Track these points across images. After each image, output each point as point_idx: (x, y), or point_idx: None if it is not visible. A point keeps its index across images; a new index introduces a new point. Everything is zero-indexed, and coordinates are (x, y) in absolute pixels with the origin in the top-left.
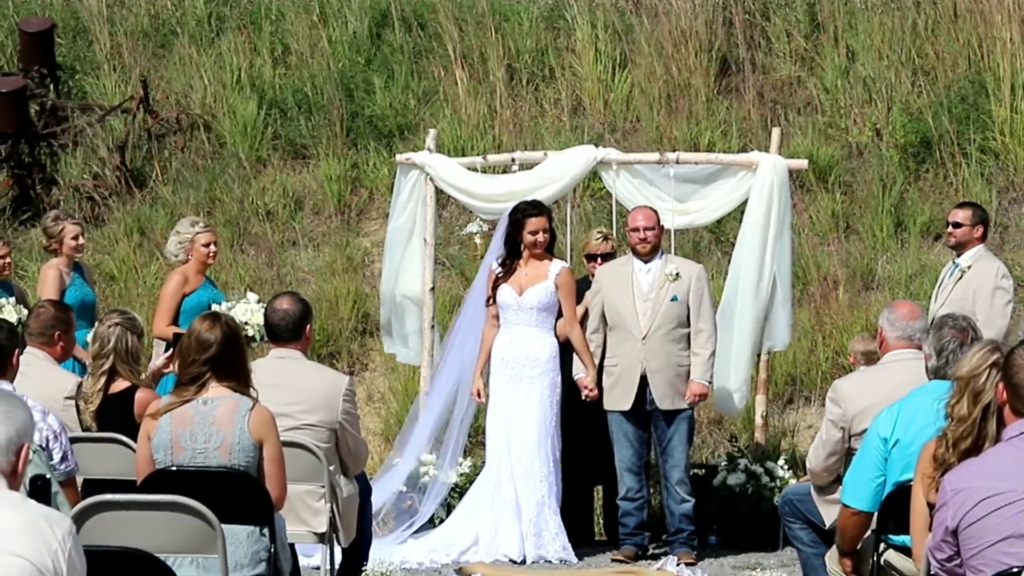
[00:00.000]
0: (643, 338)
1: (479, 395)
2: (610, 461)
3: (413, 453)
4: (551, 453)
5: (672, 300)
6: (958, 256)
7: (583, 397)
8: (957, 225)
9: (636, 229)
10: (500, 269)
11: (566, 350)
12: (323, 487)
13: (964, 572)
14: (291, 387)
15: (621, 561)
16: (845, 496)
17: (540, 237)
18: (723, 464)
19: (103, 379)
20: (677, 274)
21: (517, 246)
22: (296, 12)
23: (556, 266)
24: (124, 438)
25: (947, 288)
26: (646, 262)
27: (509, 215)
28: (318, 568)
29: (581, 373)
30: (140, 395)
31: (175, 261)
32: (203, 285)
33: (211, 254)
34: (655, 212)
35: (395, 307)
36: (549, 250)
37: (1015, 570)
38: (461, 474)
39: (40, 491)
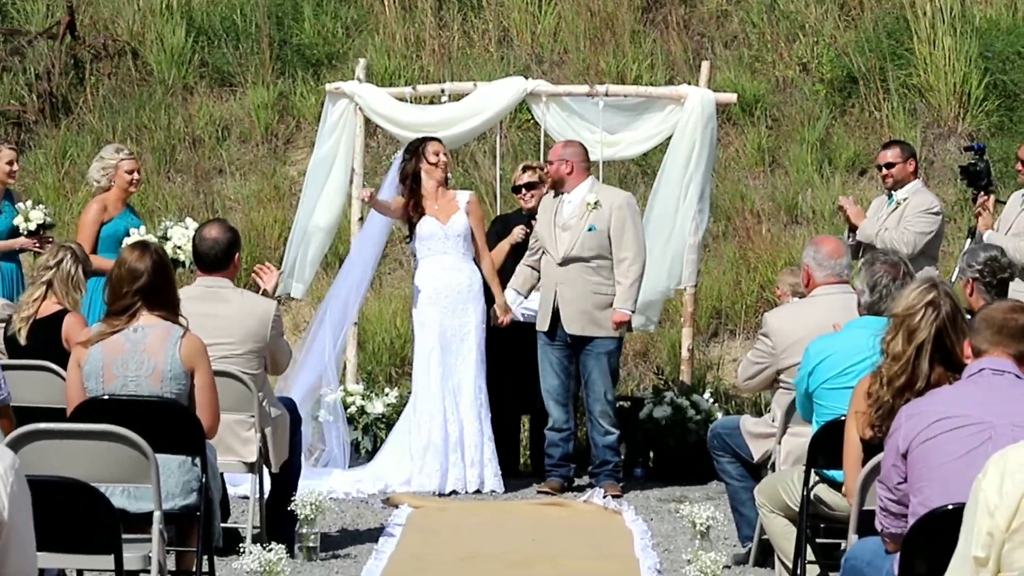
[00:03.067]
0: (559, 264)
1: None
2: (537, 392)
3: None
4: (484, 381)
5: (589, 230)
6: (893, 191)
7: (492, 322)
8: (890, 165)
9: (551, 162)
10: (408, 198)
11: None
12: (252, 416)
13: (909, 499)
14: (220, 316)
15: (547, 493)
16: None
17: (443, 157)
18: (649, 397)
19: (41, 289)
20: (596, 203)
21: (418, 177)
22: None
23: (463, 195)
24: (53, 366)
25: (882, 218)
26: (563, 193)
27: (404, 152)
28: (246, 497)
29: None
30: (69, 319)
31: (97, 188)
32: (123, 213)
33: (134, 181)
34: (574, 145)
35: (304, 239)
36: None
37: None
38: (388, 404)
39: None
